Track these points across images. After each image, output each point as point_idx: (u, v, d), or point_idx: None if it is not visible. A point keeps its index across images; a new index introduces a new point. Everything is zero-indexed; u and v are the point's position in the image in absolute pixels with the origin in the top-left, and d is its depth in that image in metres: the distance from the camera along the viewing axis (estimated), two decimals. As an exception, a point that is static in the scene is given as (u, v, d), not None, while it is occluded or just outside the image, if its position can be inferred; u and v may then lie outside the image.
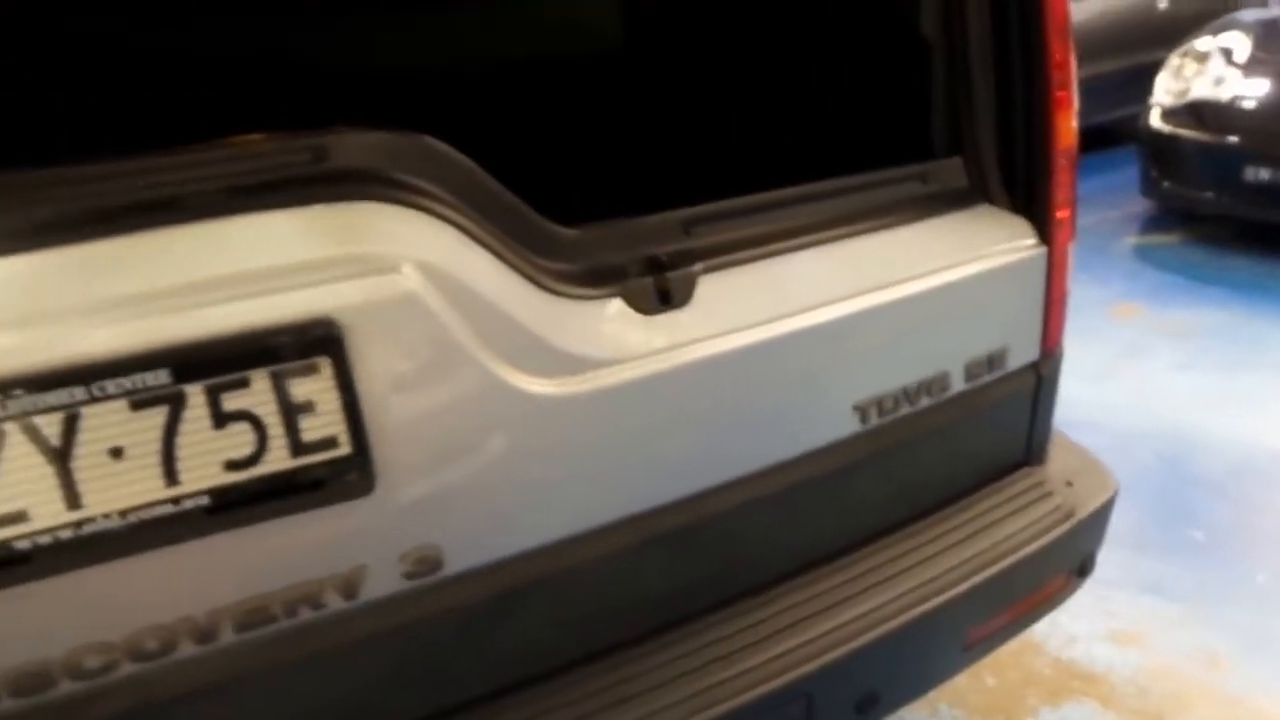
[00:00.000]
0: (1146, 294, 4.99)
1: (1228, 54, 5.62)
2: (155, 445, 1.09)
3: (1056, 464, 1.93)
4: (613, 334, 1.38)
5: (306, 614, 1.23)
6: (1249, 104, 5.37)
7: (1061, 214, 1.75)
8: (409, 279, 1.20)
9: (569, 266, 1.38)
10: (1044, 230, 1.75)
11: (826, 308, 1.53)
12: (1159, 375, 4.16)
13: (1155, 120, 5.68)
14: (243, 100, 2.01)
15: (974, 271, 1.67)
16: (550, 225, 1.38)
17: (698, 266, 1.44)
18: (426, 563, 1.29)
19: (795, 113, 2.06)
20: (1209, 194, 5.47)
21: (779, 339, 1.49)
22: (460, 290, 1.24)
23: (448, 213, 1.25)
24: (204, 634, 1.18)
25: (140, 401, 1.07)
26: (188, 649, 1.17)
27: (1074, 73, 1.71)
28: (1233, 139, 5.33)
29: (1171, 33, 6.63)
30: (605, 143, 2.35)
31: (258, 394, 1.13)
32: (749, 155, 2.06)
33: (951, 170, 1.73)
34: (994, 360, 1.76)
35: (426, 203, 1.23)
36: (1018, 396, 1.83)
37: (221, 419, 1.11)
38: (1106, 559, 1.97)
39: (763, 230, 1.53)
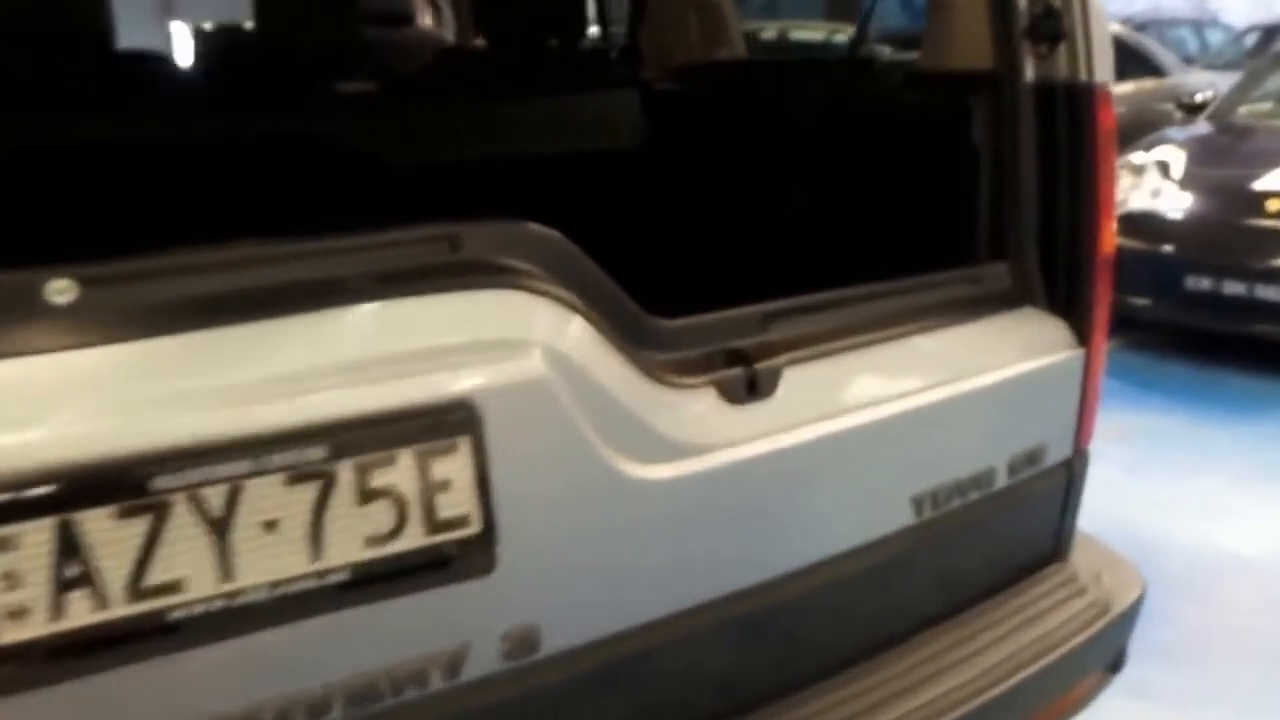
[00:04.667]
0: (1089, 398, 5.18)
1: (1164, 168, 5.93)
2: (305, 519, 1.10)
3: (1082, 558, 2.00)
4: (707, 422, 1.42)
5: (411, 693, 1.23)
6: (1186, 216, 5.66)
7: (1099, 318, 1.84)
8: (538, 364, 1.23)
9: (667, 356, 1.43)
10: (1082, 332, 1.84)
11: (893, 402, 1.60)
12: (1110, 478, 4.26)
13: (1094, 229, 5.95)
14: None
15: (1020, 371, 1.76)
16: (649, 316, 1.42)
17: (782, 359, 1.49)
18: (525, 644, 1.29)
19: (850, 214, 2.16)
20: (1147, 301, 5.70)
21: (852, 431, 1.54)
22: (581, 376, 1.27)
23: (569, 298, 1.29)
24: (317, 710, 1.17)
25: (296, 476, 1.09)
26: None
27: (1115, 182, 1.82)
28: (1169, 249, 5.59)
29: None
30: (651, 236, 2.42)
31: (402, 471, 1.14)
32: (810, 254, 2.14)
33: (998, 274, 1.81)
34: (1034, 456, 1.83)
35: (551, 289, 1.27)
36: (1052, 492, 1.91)
37: (367, 495, 1.13)
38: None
39: (833, 326, 1.59)
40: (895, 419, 1.59)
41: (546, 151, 2.45)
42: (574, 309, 1.29)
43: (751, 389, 1.46)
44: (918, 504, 1.67)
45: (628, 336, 1.37)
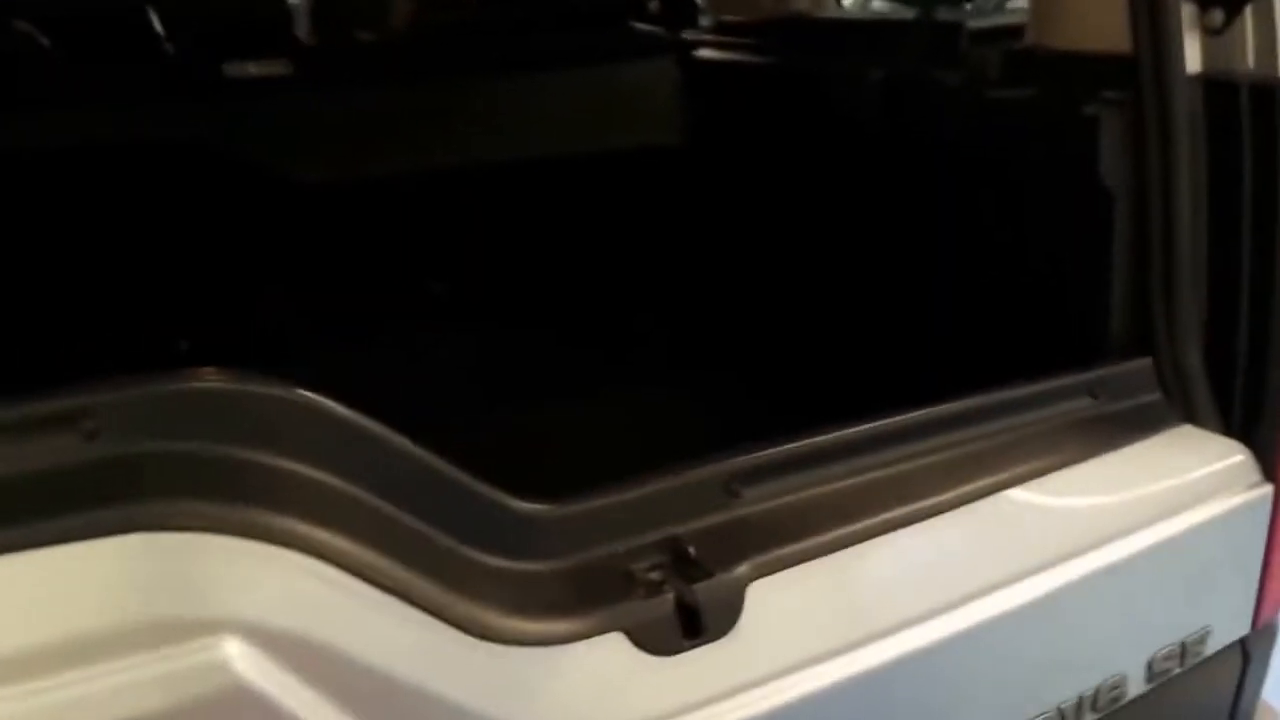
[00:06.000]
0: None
1: None
2: None
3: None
4: (603, 696, 0.84)
5: None
6: None
7: (1299, 436, 1.18)
8: (231, 659, 0.68)
9: (537, 567, 0.86)
10: (1270, 460, 1.18)
11: (949, 615, 0.99)
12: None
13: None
14: None
15: (1170, 534, 1.11)
16: (506, 502, 0.85)
17: (743, 568, 0.90)
18: None
19: (906, 279, 1.51)
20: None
21: (872, 673, 0.94)
22: (327, 662, 0.72)
23: (310, 531, 0.73)
24: None
25: None
26: None
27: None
28: None
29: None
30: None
31: None
32: (839, 346, 1.52)
33: (1137, 378, 1.17)
34: (1189, 647, 1.20)
35: (269, 517, 0.72)
36: (1216, 688, 1.28)
37: None
38: None
39: (850, 487, 0.99)
40: (949, 642, 0.99)
41: (518, 156, 1.85)
42: (320, 546, 0.73)
43: (692, 625, 0.88)
44: (991, 754, 1.06)
45: (459, 547, 0.81)
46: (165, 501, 0.69)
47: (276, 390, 0.73)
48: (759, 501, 0.95)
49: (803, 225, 1.71)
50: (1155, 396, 1.17)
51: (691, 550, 0.90)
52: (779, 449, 0.96)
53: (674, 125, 1.98)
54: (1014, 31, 1.67)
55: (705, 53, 2.03)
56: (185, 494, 0.69)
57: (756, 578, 0.90)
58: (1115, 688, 1.14)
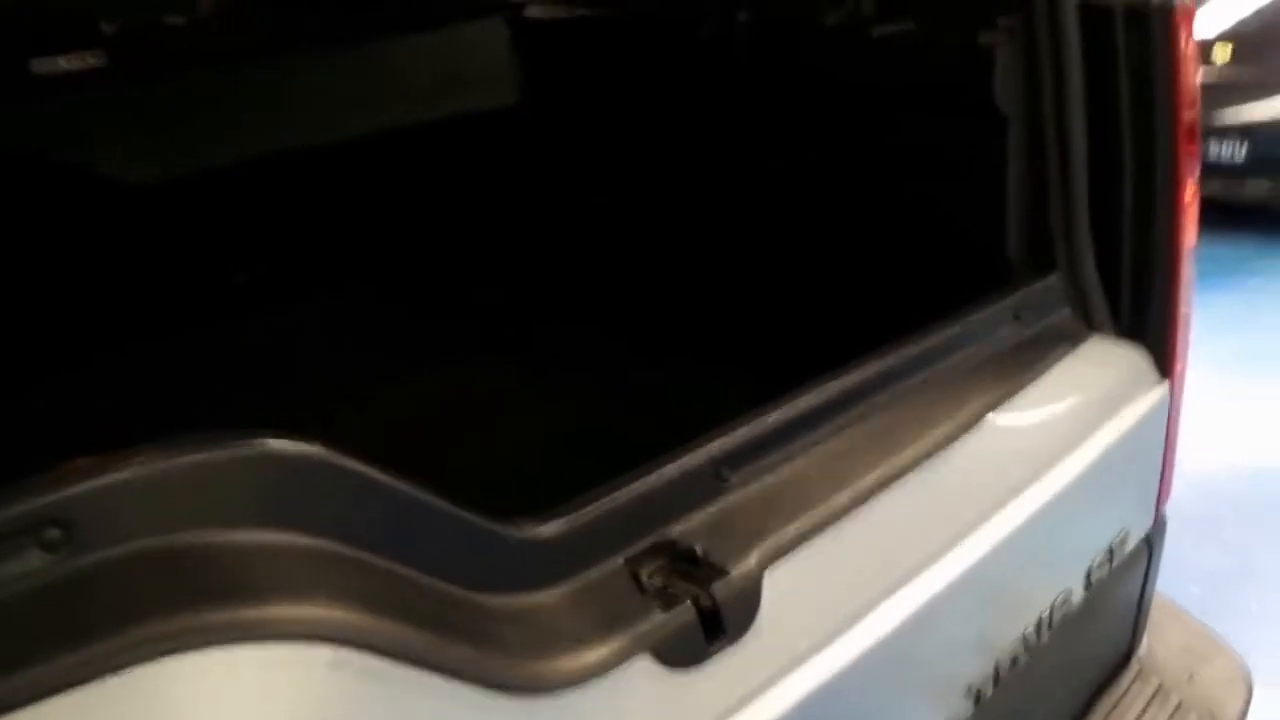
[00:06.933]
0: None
1: None
2: None
3: (1165, 647, 1.43)
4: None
5: None
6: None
7: (1183, 333, 1.24)
8: None
9: (546, 596, 0.78)
10: (1164, 359, 1.23)
11: (936, 568, 0.97)
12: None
13: None
14: None
15: (1102, 449, 1.14)
16: (504, 530, 0.76)
17: (754, 558, 0.84)
18: None
19: (795, 221, 1.47)
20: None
21: (877, 645, 0.91)
22: None
23: (326, 614, 0.62)
24: None
25: None
26: None
27: (1198, 137, 1.18)
28: None
29: None
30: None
31: None
32: (730, 291, 1.48)
33: (1048, 295, 1.18)
34: (1114, 550, 1.24)
35: (281, 609, 0.60)
36: (1130, 584, 1.33)
37: None
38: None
39: (836, 449, 0.95)
40: (941, 598, 0.97)
41: (348, 135, 1.71)
42: (338, 624, 0.62)
43: (713, 626, 0.81)
44: (976, 693, 1.06)
45: (479, 592, 0.72)
46: (152, 621, 0.56)
47: (278, 448, 0.61)
48: (742, 482, 0.90)
49: (680, 188, 1.65)
50: (1065, 311, 1.19)
51: (698, 549, 0.83)
52: (761, 423, 0.91)
53: (537, 87, 1.87)
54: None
55: (553, 10, 1.91)
56: (178, 605, 0.57)
57: (769, 564, 0.85)
58: (1064, 601, 1.17)
